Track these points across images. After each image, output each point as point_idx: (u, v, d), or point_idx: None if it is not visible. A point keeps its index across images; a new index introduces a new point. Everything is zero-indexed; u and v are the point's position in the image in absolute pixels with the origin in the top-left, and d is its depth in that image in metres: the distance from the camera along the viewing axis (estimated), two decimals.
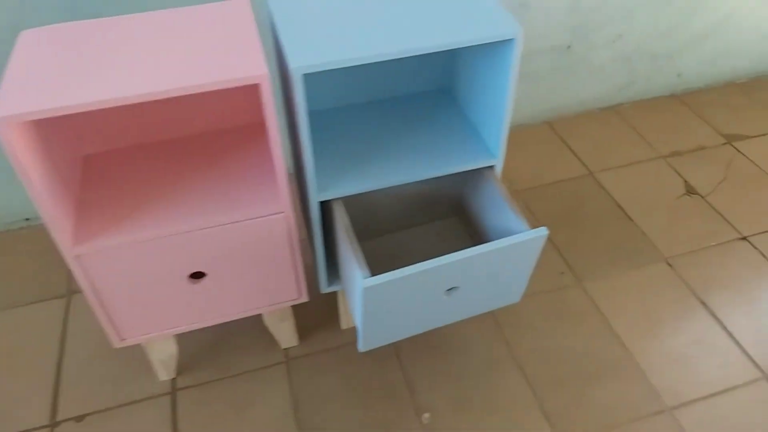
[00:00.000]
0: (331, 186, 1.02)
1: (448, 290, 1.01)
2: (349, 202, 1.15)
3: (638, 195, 1.59)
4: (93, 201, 0.99)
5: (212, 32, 0.90)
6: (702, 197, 1.59)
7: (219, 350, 1.26)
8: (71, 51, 0.87)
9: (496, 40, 0.90)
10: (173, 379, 1.22)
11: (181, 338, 1.27)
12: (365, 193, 1.14)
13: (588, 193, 1.60)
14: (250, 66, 0.83)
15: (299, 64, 0.84)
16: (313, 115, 1.18)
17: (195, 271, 1.01)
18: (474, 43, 0.89)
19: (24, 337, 1.29)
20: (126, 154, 1.09)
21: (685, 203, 1.57)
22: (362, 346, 1.06)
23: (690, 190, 1.61)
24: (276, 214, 0.98)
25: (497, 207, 1.08)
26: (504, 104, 1.00)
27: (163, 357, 1.17)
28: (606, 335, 1.28)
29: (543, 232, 0.98)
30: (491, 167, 1.09)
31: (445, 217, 1.27)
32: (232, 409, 1.17)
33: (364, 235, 1.23)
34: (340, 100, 1.20)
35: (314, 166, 0.99)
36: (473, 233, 1.22)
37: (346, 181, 1.03)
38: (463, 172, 1.14)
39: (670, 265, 1.42)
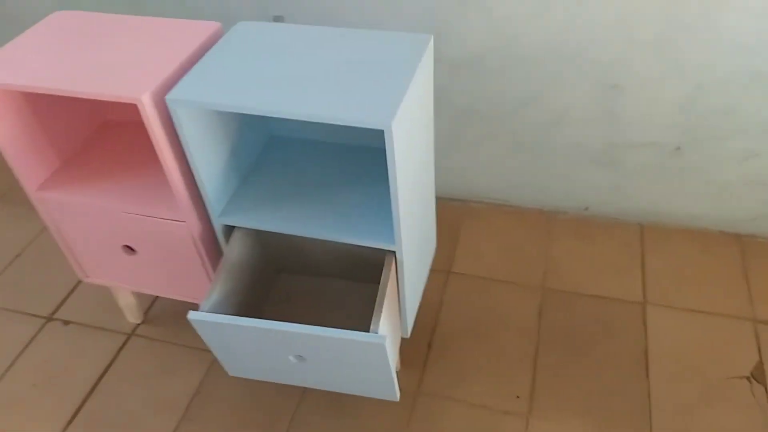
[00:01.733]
0: (236, 213, 1.08)
1: (297, 356, 1.00)
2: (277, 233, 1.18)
3: (681, 353, 1.28)
4: (74, 162, 1.21)
5: (158, 47, 1.01)
6: (766, 389, 1.22)
7: (185, 318, 1.42)
8: (71, 36, 1.06)
9: (365, 126, 0.84)
10: (138, 324, 1.42)
11: (157, 303, 1.47)
12: (295, 237, 1.17)
13: (622, 324, 1.34)
14: (136, 88, 0.92)
15: (175, 96, 0.91)
16: (276, 140, 1.23)
17: (125, 244, 1.17)
18: (347, 124, 0.85)
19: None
20: (131, 126, 1.28)
21: (737, 388, 1.22)
22: (229, 371, 1.11)
23: (756, 376, 1.24)
24: (177, 221, 1.08)
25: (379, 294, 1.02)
26: (393, 190, 0.92)
27: (125, 303, 1.38)
28: None
29: (379, 339, 0.90)
30: (392, 252, 1.02)
31: (371, 281, 1.22)
32: (155, 370, 1.33)
33: (293, 268, 1.25)
34: (307, 133, 1.22)
35: (213, 191, 1.05)
36: None
37: (252, 214, 1.07)
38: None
39: None
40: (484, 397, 1.24)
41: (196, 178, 1.02)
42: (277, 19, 1.43)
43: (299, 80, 0.92)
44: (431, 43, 1.00)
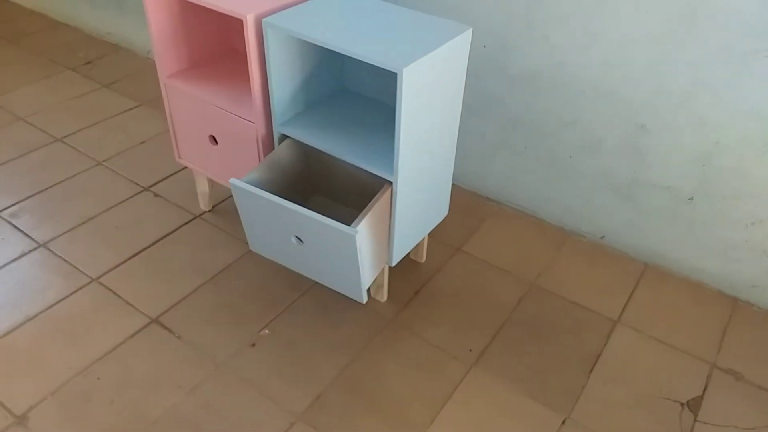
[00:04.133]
0: (290, 126, 1.40)
1: (297, 238, 1.29)
2: (317, 155, 1.48)
3: (629, 368, 1.41)
4: (200, 67, 1.59)
5: None
6: (695, 418, 1.31)
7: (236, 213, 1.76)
8: None
9: (387, 67, 1.13)
10: (205, 212, 1.78)
11: (229, 200, 1.82)
12: (331, 161, 1.46)
13: (588, 330, 1.49)
14: (248, 9, 1.27)
15: (269, 21, 1.25)
16: (346, 92, 1.54)
17: (211, 134, 1.53)
18: (375, 64, 1.14)
19: None
20: (244, 56, 1.65)
21: (668, 408, 1.33)
22: (250, 245, 1.42)
23: (691, 405, 1.34)
24: (250, 121, 1.41)
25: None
26: (398, 130, 1.19)
27: (202, 190, 1.74)
28: (422, 416, 1.31)
29: (351, 231, 1.17)
30: (389, 182, 1.28)
31: None
32: (205, 245, 1.67)
33: (326, 193, 1.54)
34: (372, 92, 1.52)
35: (281, 105, 1.38)
36: None
37: (303, 131, 1.39)
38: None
39: (564, 424, 1.29)
40: (442, 341, 1.45)
41: (270, 91, 1.35)
42: None
43: (359, 33, 1.23)
44: (468, 32, 1.27)
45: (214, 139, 1.55)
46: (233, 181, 1.28)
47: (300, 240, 1.29)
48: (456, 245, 1.72)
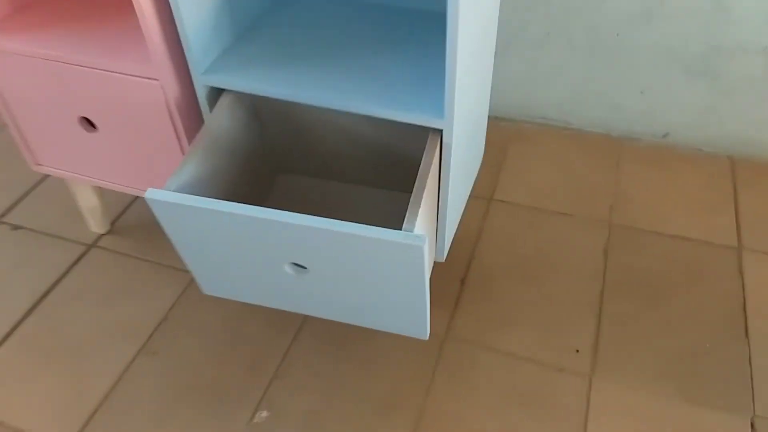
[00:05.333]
0: (226, 70, 0.79)
1: (294, 267, 0.72)
2: (280, 116, 0.89)
3: None
4: (30, 9, 0.92)
5: None
6: None
7: (161, 231, 1.15)
8: None
9: None
10: (102, 235, 1.14)
11: (139, 203, 1.19)
12: (304, 114, 0.87)
13: (711, 271, 1.05)
14: None
15: None
16: None
17: (83, 115, 0.89)
18: None
19: None
20: None
21: None
22: (202, 286, 0.84)
23: None
24: (149, 79, 0.79)
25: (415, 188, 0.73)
26: (452, 49, 0.63)
27: (88, 206, 1.10)
28: None
29: (416, 240, 0.62)
30: (437, 132, 0.73)
31: (401, 189, 0.93)
32: (114, 289, 1.05)
33: (300, 168, 0.96)
34: None
35: (197, 36, 0.76)
36: None
37: (248, 73, 0.78)
38: (421, 132, 0.80)
39: (754, 429, 0.86)
40: (532, 349, 0.96)
41: (176, 18, 0.73)
42: None
43: None
44: None
45: (89, 123, 0.91)
46: (150, 194, 0.68)
47: (301, 267, 0.72)
48: (484, 194, 1.20)
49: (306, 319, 1.00)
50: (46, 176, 1.26)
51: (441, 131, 0.73)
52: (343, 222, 0.64)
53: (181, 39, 0.75)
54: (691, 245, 1.10)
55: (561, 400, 0.90)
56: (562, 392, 0.91)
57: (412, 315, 0.74)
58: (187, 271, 1.07)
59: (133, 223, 1.17)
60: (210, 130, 0.77)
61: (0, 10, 0.90)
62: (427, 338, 0.79)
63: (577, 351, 0.96)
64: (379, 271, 0.68)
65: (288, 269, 0.73)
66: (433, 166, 0.72)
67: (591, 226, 1.13)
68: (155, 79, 0.79)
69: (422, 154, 0.82)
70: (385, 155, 0.89)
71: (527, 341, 0.97)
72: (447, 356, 0.95)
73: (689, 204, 1.17)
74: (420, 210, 0.67)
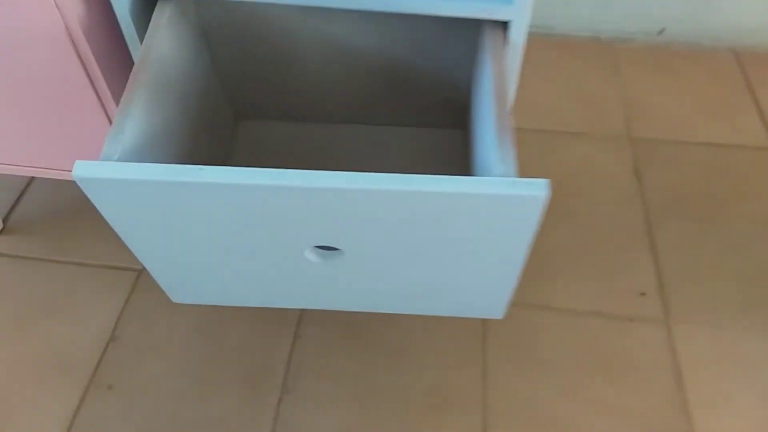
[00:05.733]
0: None
1: (321, 251, 0.49)
2: (244, 31, 0.62)
3: None
4: None
5: None
6: None
7: (70, 220, 0.85)
8: None
9: None
10: None
11: (33, 188, 0.88)
12: (272, 25, 0.61)
13: (757, 176, 0.92)
14: None
15: None
16: None
17: None
18: None
19: None
20: None
21: None
22: (170, 294, 0.58)
23: None
24: None
25: (484, 112, 0.51)
26: None
27: None
28: (674, 421, 0.68)
29: (537, 189, 0.40)
30: (500, 26, 0.51)
31: (445, 125, 0.71)
32: (39, 304, 0.76)
33: (286, 110, 0.71)
34: None
35: None
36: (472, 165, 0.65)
37: None
38: (470, 39, 0.57)
39: None
40: (593, 300, 0.78)
41: None
42: None
43: None
44: None
45: None
46: (82, 171, 0.41)
47: (330, 253, 0.49)
48: None
49: (303, 310, 0.77)
50: None
51: (505, 24, 0.50)
52: (411, 176, 0.41)
53: None
54: (724, 151, 0.95)
55: (643, 357, 0.73)
56: (642, 347, 0.74)
57: (494, 291, 0.53)
58: (126, 269, 0.80)
59: (34, 212, 0.86)
60: (149, 61, 0.50)
61: None
62: (501, 316, 0.58)
63: (643, 294, 0.79)
64: (462, 240, 0.46)
65: (310, 255, 0.49)
66: (500, 75, 0.50)
67: (611, 143, 0.96)
68: None
69: (447, 65, 0.60)
70: (392, 76, 0.65)
71: (584, 291, 0.79)
72: (495, 329, 0.76)
73: (706, 106, 1.02)
74: (512, 142, 0.45)
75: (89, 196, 0.43)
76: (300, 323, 0.75)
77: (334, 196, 0.41)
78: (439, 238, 0.45)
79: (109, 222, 0.46)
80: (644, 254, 0.83)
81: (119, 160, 0.44)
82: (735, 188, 0.90)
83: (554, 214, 0.87)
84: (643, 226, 0.86)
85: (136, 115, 0.47)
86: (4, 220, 0.85)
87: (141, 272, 0.79)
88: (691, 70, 1.08)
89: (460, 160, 0.69)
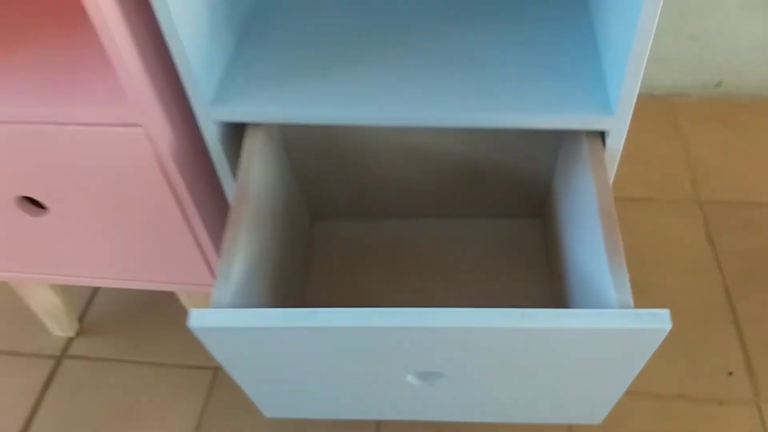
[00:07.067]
0: (241, 99, 0.52)
1: (426, 375, 0.48)
2: (332, 145, 0.63)
3: None
4: None
5: None
6: None
7: (142, 320, 0.86)
8: None
9: None
10: (71, 339, 0.85)
11: (103, 291, 0.90)
12: (350, 137, 0.62)
13: None
14: None
15: None
16: None
17: (25, 195, 0.60)
18: None
19: None
20: None
21: None
22: (264, 411, 0.58)
23: None
24: (126, 126, 0.52)
25: (585, 226, 0.50)
26: (633, 26, 0.40)
27: (45, 308, 0.80)
28: None
29: (663, 322, 0.39)
30: (597, 135, 0.50)
31: (522, 215, 0.70)
32: (117, 409, 0.77)
33: (363, 209, 0.71)
34: None
35: (201, 58, 0.49)
36: (554, 256, 0.64)
37: (276, 96, 0.52)
38: (553, 134, 0.57)
39: None
40: (678, 382, 0.75)
41: (166, 27, 0.46)
42: None
43: None
44: None
45: (35, 204, 0.62)
46: (199, 321, 0.41)
47: (432, 376, 0.48)
48: None
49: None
50: None
51: (603, 133, 0.50)
52: (527, 311, 0.40)
53: (175, 56, 0.48)
54: None
55: None
56: (726, 425, 0.71)
57: (599, 403, 0.51)
58: (203, 367, 0.80)
59: (106, 314, 0.88)
60: (248, 198, 0.50)
61: None
62: (600, 422, 0.56)
63: (730, 373, 0.76)
64: (575, 365, 0.45)
65: (411, 379, 0.48)
66: (605, 190, 0.49)
67: (680, 208, 0.94)
68: (136, 126, 0.52)
69: (532, 156, 0.59)
70: (472, 173, 0.65)
71: (667, 373, 0.76)
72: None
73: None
74: (624, 264, 0.44)
75: (203, 341, 0.44)
76: (379, 428, 0.74)
77: (448, 333, 0.41)
78: (550, 365, 0.44)
79: (217, 358, 0.47)
80: (727, 328, 0.80)
81: (230, 306, 0.44)
82: None
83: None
84: (723, 296, 0.83)
85: (240, 257, 0.47)
86: (80, 321, 0.87)
87: (217, 371, 0.80)
88: (756, 123, 1.06)
89: (539, 251, 0.68)
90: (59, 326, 0.84)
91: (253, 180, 0.52)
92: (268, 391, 0.52)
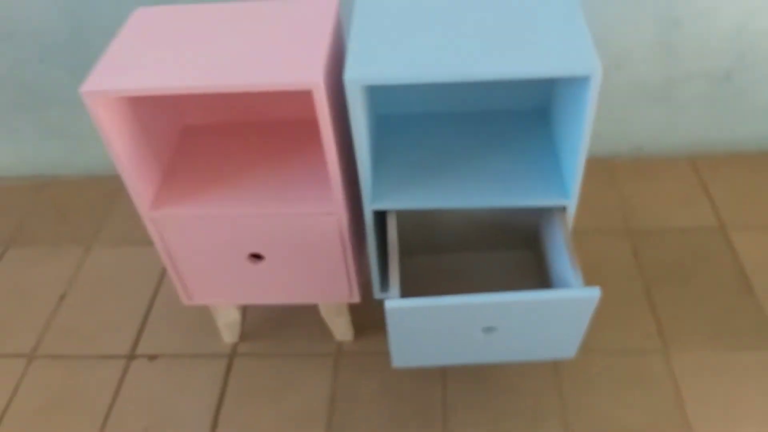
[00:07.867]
0: (386, 196, 1.02)
1: (486, 329, 0.97)
2: (410, 213, 1.13)
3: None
4: (177, 171, 1.09)
5: (289, 28, 0.93)
6: None
7: (281, 327, 1.33)
8: (169, 34, 0.95)
9: (567, 75, 0.82)
10: (236, 343, 1.31)
11: (250, 309, 1.36)
12: (434, 213, 1.12)
13: (712, 250, 1.41)
14: (308, 72, 0.84)
15: (355, 75, 0.84)
16: (384, 118, 1.17)
17: (254, 252, 1.07)
18: (542, 76, 0.82)
19: (127, 273, 1.47)
20: (217, 130, 1.17)
21: None
22: (395, 362, 1.05)
23: None
24: (328, 214, 1.00)
25: (558, 252, 1.00)
26: (579, 143, 0.91)
27: (228, 321, 1.27)
28: (675, 418, 1.14)
29: (594, 293, 0.89)
30: (562, 208, 1.01)
31: (517, 247, 1.21)
32: (276, 384, 1.23)
33: (424, 248, 1.21)
34: (419, 106, 1.17)
35: (370, 175, 0.99)
36: (543, 272, 1.14)
37: (403, 194, 1.02)
38: (536, 209, 1.07)
39: None
40: (618, 342, 1.26)
41: (360, 160, 0.95)
42: None
43: (470, 39, 0.88)
44: None
45: (256, 256, 1.10)
46: (392, 305, 0.90)
47: (490, 330, 0.97)
48: None
49: (444, 370, 1.24)
50: (155, 297, 1.40)
51: (565, 207, 1.00)
52: (527, 292, 0.90)
53: (361, 177, 0.97)
54: (687, 233, 1.45)
55: (648, 375, 1.20)
56: (648, 369, 1.21)
57: (569, 340, 1.01)
58: (327, 354, 1.27)
59: (256, 325, 1.34)
60: (392, 244, 1.00)
61: (155, 177, 1.06)
62: (573, 356, 1.06)
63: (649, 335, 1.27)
64: (556, 318, 0.94)
65: (479, 333, 0.97)
66: (567, 232, 0.99)
67: (614, 235, 1.46)
68: (332, 214, 1.00)
69: (529, 219, 1.09)
70: (498, 226, 1.16)
71: (613, 336, 1.27)
72: (564, 366, 1.23)
73: (674, 200, 1.52)
74: (572, 264, 0.94)
75: (389, 318, 0.91)
76: (445, 375, 1.22)
77: (499, 305, 0.90)
78: (545, 320, 0.94)
79: (390, 331, 0.94)
80: (645, 309, 1.31)
81: (397, 298, 0.92)
82: (698, 258, 1.39)
83: None
84: (643, 290, 1.34)
85: (395, 276, 0.95)
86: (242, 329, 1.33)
87: (338, 356, 1.26)
88: (660, 174, 1.59)
89: (531, 267, 1.18)
90: (231, 334, 1.30)
91: (392, 239, 1.01)
92: (408, 348, 1.00)
